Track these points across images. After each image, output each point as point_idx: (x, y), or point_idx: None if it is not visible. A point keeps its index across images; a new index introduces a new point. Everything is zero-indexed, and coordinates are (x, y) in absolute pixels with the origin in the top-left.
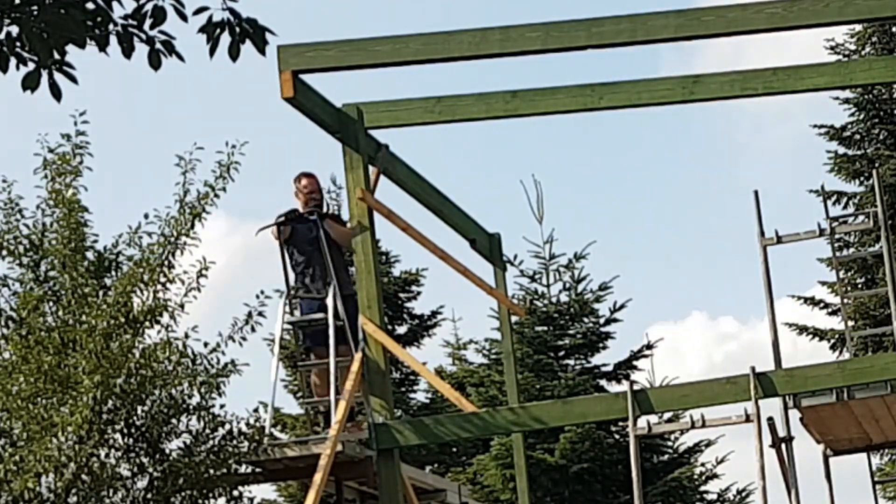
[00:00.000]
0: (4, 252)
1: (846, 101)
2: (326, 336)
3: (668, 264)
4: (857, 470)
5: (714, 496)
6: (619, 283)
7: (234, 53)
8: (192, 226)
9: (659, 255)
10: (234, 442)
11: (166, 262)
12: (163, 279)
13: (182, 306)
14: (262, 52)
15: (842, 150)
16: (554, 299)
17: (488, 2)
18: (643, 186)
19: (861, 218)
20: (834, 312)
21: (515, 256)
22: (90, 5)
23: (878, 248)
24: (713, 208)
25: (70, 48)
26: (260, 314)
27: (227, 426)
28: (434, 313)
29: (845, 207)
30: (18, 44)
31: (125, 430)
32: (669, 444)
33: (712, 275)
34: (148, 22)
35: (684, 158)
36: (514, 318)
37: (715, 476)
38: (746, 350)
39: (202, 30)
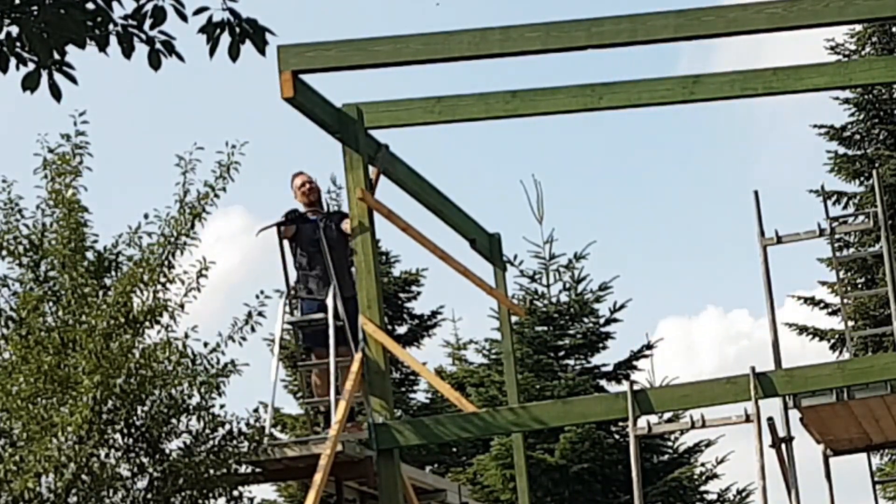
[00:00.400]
0: (4, 252)
1: (846, 101)
2: (326, 336)
3: (681, 259)
4: (857, 470)
5: (714, 496)
6: (621, 282)
7: (234, 53)
8: (192, 226)
9: (672, 251)
10: (234, 442)
11: (166, 262)
12: (163, 279)
13: (182, 306)
14: (262, 52)
15: (842, 150)
16: (554, 299)
17: (488, 2)
18: (644, 185)
19: (861, 218)
20: (834, 312)
21: (515, 256)
22: (90, 5)
23: (878, 248)
24: (729, 204)
25: (70, 48)
26: (260, 314)
27: (227, 426)
28: (434, 313)
29: (845, 207)
30: (18, 44)
31: (125, 430)
32: (669, 444)
33: (728, 270)
34: (148, 22)
35: (689, 156)
36: (514, 318)
37: (715, 476)
38: (761, 346)
39: (202, 30)
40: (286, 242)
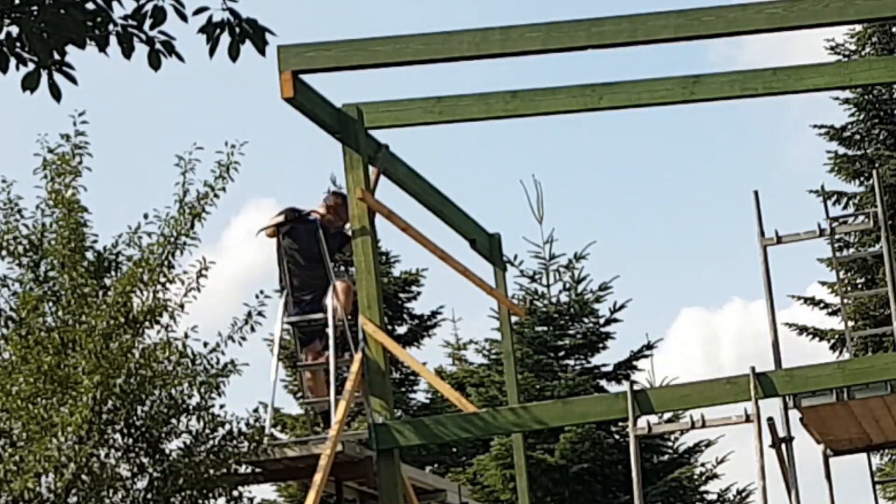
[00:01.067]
0: (4, 252)
1: (846, 101)
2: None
3: (694, 255)
4: (857, 470)
5: (714, 496)
6: (621, 282)
7: (233, 54)
8: (192, 226)
9: (672, 250)
10: (234, 442)
11: (166, 262)
12: (162, 279)
13: (182, 306)
14: (262, 52)
15: (842, 150)
16: (554, 299)
17: (488, 2)
18: (644, 185)
19: (861, 218)
20: (834, 312)
21: (515, 256)
22: (90, 5)
23: (878, 248)
24: (730, 203)
25: (70, 48)
26: (260, 314)
27: (227, 426)
28: (434, 313)
29: (845, 207)
30: (18, 44)
31: (125, 430)
32: (669, 444)
33: (748, 265)
34: (148, 22)
35: (690, 155)
36: (514, 319)
37: (715, 476)
38: (784, 341)
39: (202, 30)
40: (283, 239)
